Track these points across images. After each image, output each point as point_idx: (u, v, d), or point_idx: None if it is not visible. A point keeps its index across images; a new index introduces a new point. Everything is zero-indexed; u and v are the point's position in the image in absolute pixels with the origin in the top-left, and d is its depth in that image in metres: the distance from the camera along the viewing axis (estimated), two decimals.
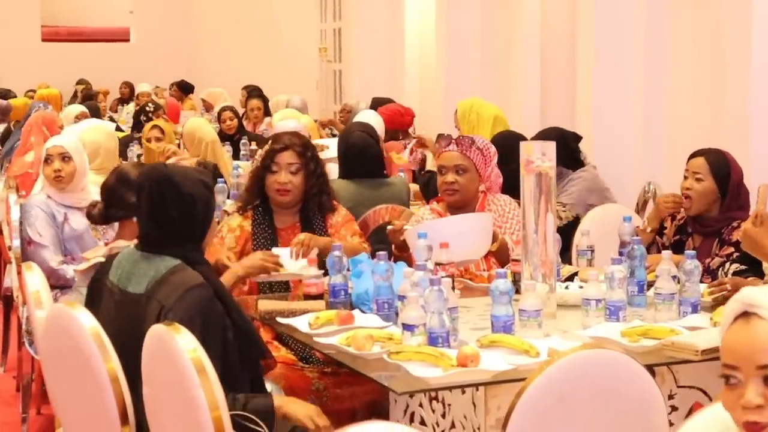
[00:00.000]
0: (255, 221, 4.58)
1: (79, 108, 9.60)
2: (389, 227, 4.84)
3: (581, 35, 7.92)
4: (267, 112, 11.59)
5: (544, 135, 6.22)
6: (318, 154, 4.80)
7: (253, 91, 12.66)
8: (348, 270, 4.27)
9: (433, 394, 3.64)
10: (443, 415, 3.81)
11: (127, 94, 16.47)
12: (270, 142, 4.69)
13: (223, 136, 9.80)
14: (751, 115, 6.41)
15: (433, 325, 3.55)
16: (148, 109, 10.21)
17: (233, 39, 16.77)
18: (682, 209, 4.93)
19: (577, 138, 6.13)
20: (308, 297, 4.21)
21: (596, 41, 7.61)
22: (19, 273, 5.78)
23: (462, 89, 9.18)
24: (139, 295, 3.49)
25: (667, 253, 4.16)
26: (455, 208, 4.83)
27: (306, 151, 4.66)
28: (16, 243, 5.77)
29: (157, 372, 3.21)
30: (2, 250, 7.28)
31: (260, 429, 3.29)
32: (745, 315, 1.98)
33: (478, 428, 3.56)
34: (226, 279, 4.14)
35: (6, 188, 7.04)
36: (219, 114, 10.75)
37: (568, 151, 6.19)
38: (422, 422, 3.97)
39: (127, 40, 18.48)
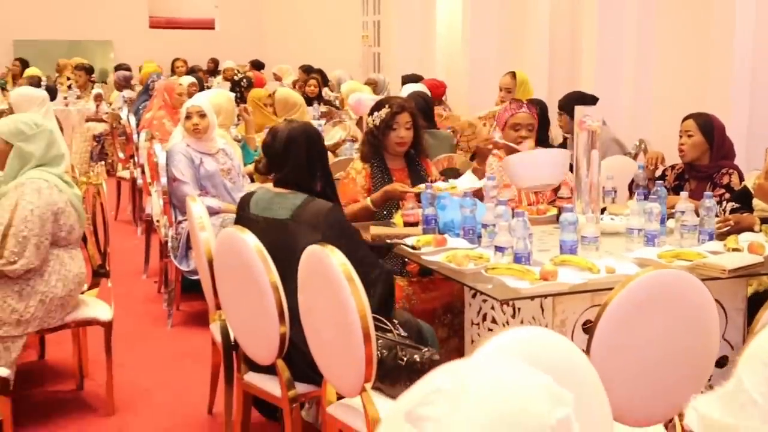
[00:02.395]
0: (374, 165, 4.47)
1: (189, 78, 9.41)
2: (480, 145, 4.86)
3: (585, 18, 7.70)
4: (323, 84, 11.38)
5: (569, 96, 6.03)
6: (419, 116, 4.70)
7: (310, 69, 12.48)
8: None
9: None
10: (513, 316, 3.69)
11: (213, 68, 16.36)
12: (387, 105, 4.51)
13: (308, 98, 9.67)
14: (734, 79, 6.25)
15: (518, 247, 3.41)
16: (243, 84, 10.14)
17: (294, 27, 16.53)
18: (680, 158, 4.82)
19: (595, 99, 5.91)
20: (407, 224, 4.08)
21: (599, 23, 7.40)
22: (165, 204, 5.68)
23: (482, 69, 8.97)
24: (285, 219, 3.44)
25: (684, 194, 4.01)
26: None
27: (414, 111, 4.56)
28: (164, 181, 5.63)
29: (313, 283, 3.07)
30: (144, 186, 7.21)
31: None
32: None
33: (546, 327, 3.44)
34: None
35: (147, 139, 6.93)
36: (306, 81, 10.55)
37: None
38: (493, 321, 3.86)
39: (213, 28, 18.35)
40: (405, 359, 3.08)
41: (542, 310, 3.46)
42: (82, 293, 4.24)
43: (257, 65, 15.53)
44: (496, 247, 3.45)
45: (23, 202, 3.78)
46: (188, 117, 5.59)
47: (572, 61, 8.04)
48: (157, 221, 6.17)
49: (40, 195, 3.81)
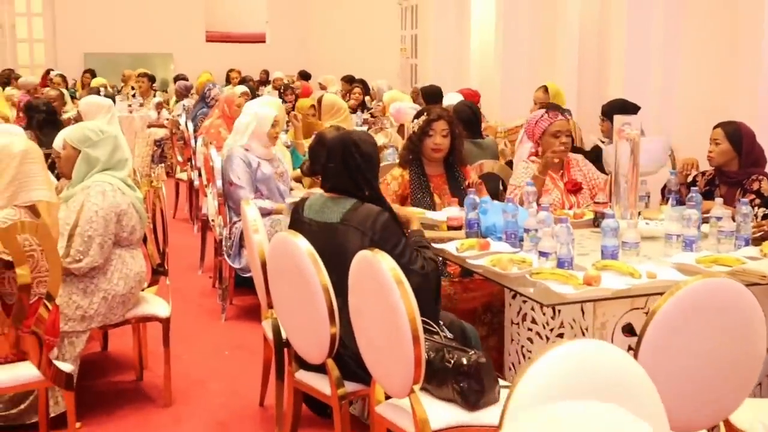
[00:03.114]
0: (412, 171, 4.25)
1: (242, 88, 9.30)
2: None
3: (614, 28, 7.40)
4: (365, 93, 11.20)
5: (612, 104, 5.78)
6: (458, 124, 4.45)
7: (352, 80, 12.32)
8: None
9: None
10: (552, 317, 3.47)
11: (264, 78, 16.27)
12: (425, 114, 4.31)
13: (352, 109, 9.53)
14: (762, 85, 5.96)
15: (562, 252, 3.20)
16: (280, 90, 9.99)
17: (337, 41, 16.39)
18: (709, 164, 4.58)
19: (637, 108, 5.67)
20: (451, 228, 3.88)
21: (627, 33, 7.12)
22: (220, 205, 5.52)
23: (513, 79, 8.71)
24: (335, 223, 3.25)
25: (719, 200, 3.78)
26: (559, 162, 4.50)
27: (452, 120, 4.34)
28: (219, 183, 5.48)
29: (364, 287, 2.88)
30: (200, 187, 7.08)
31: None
32: None
33: (586, 329, 3.22)
34: None
35: (203, 144, 6.80)
36: (350, 90, 10.39)
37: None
38: (533, 321, 3.64)
39: (264, 41, 18.24)
40: (452, 361, 2.88)
41: (582, 313, 3.24)
42: (142, 290, 4.11)
43: (304, 75, 15.43)
44: (540, 252, 3.24)
45: (89, 204, 3.66)
46: (274, 125, 5.45)
47: (600, 71, 7.78)
48: (212, 221, 6.05)
49: (105, 197, 3.68)
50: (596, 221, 4.02)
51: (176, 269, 5.60)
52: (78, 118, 6.56)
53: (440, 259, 3.71)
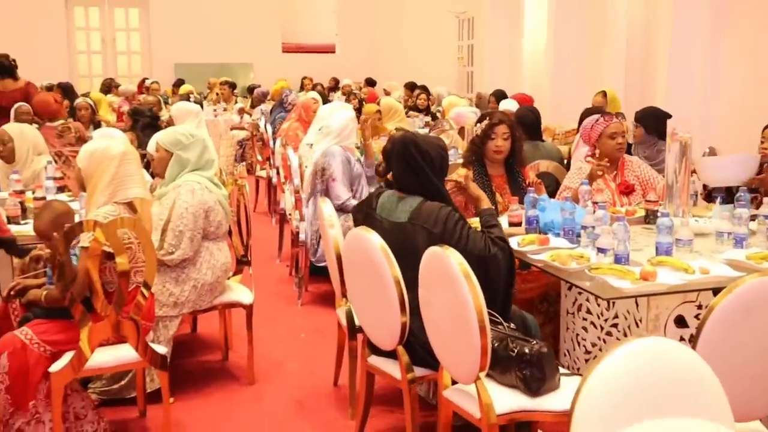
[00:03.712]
0: (475, 171, 4.11)
1: (312, 94, 9.27)
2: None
3: (660, 36, 7.13)
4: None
5: (645, 111, 5.59)
6: (518, 127, 4.30)
7: (414, 86, 12.18)
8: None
9: None
10: (607, 308, 3.32)
11: (334, 85, 16.21)
12: (487, 118, 4.18)
13: (418, 109, 9.40)
14: None
15: (619, 249, 3.05)
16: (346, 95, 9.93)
17: (400, 51, 16.25)
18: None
19: (668, 115, 5.46)
20: (512, 224, 3.73)
21: (672, 41, 6.85)
22: (296, 201, 5.48)
23: (563, 86, 8.48)
24: (404, 223, 3.13)
25: (767, 200, 3.57)
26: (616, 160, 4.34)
27: (512, 123, 4.20)
28: (296, 181, 5.42)
29: (433, 280, 2.78)
30: (278, 184, 7.07)
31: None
32: None
33: (640, 320, 3.07)
34: None
35: (282, 145, 6.77)
36: (417, 95, 10.30)
37: (662, 124, 5.56)
38: (588, 311, 3.49)
39: (334, 52, 18.20)
40: (515, 351, 2.76)
41: (637, 305, 3.09)
42: (228, 279, 4.06)
43: (370, 82, 15.35)
44: (598, 248, 3.10)
45: (179, 201, 3.64)
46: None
47: (645, 76, 7.51)
48: (289, 214, 6.01)
49: (194, 195, 3.65)
50: (648, 218, 3.86)
51: (256, 259, 5.52)
52: (170, 122, 6.57)
53: None
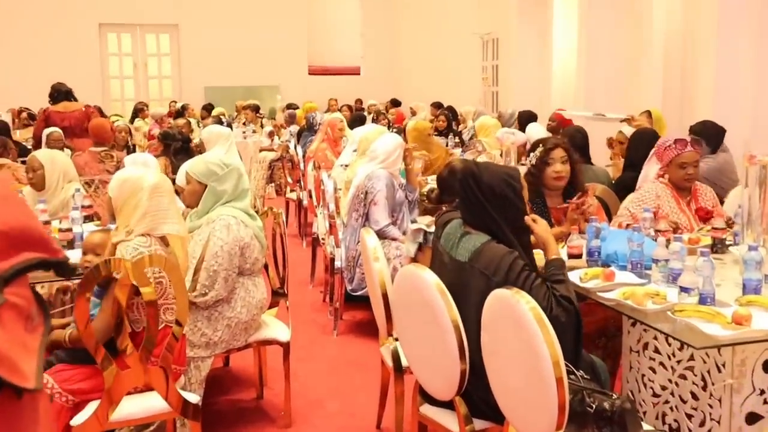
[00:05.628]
0: (534, 206, 3.67)
1: (338, 115, 8.96)
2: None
3: (700, 54, 6.64)
4: (453, 118, 10.65)
5: (701, 124, 5.15)
6: (574, 150, 3.85)
7: (440, 105, 11.79)
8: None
9: None
10: (681, 348, 2.88)
11: (359, 106, 15.92)
12: (541, 144, 3.76)
13: (438, 131, 9.00)
14: None
15: (705, 288, 2.60)
16: (374, 116, 9.56)
17: (424, 71, 15.93)
18: None
19: (723, 130, 5.02)
20: (571, 257, 3.30)
21: (715, 60, 6.38)
22: (331, 226, 5.08)
23: (596, 107, 7.98)
24: (463, 262, 2.65)
25: None
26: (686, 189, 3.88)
27: (569, 147, 3.77)
28: (331, 207, 5.03)
29: (500, 326, 2.37)
30: (309, 207, 6.71)
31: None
32: None
33: (723, 365, 2.62)
34: None
35: (315, 168, 6.40)
36: (437, 115, 9.91)
37: (718, 138, 5.14)
38: (656, 351, 3.04)
39: (359, 74, 17.95)
40: (594, 406, 2.33)
41: (718, 348, 2.64)
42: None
43: (395, 103, 15.05)
44: (681, 287, 2.66)
45: (214, 239, 3.25)
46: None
47: (684, 98, 7.02)
48: (323, 239, 5.62)
49: (229, 231, 3.26)
50: (716, 248, 3.41)
51: (289, 284, 5.18)
52: (201, 146, 6.22)
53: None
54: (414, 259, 3.29)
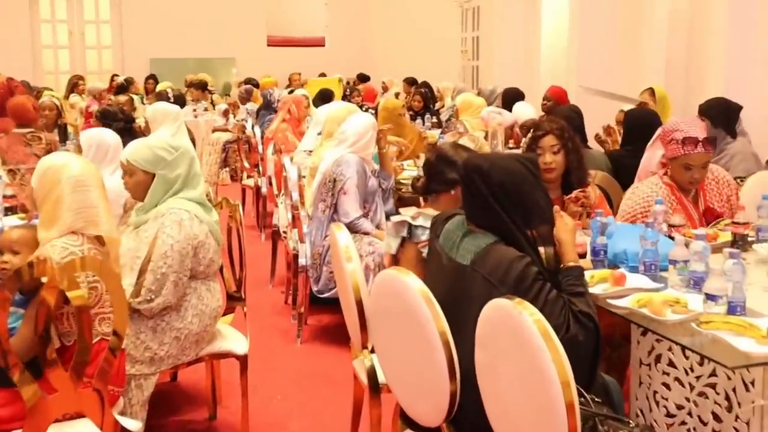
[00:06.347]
0: None
1: (302, 91, 8.77)
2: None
3: (713, 22, 6.48)
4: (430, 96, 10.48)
5: (710, 103, 5.02)
6: (573, 134, 3.69)
7: (414, 82, 11.62)
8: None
9: None
10: (700, 363, 2.75)
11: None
12: (532, 130, 3.61)
13: (413, 111, 8.87)
14: None
15: (735, 295, 2.47)
16: (346, 93, 9.39)
17: (396, 44, 15.77)
18: None
19: (739, 108, 4.90)
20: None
21: (729, 29, 6.25)
22: (294, 218, 4.91)
23: (590, 82, 7.85)
24: (465, 266, 2.48)
25: None
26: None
27: (564, 133, 3.58)
28: (295, 196, 4.85)
29: (498, 342, 2.21)
30: (269, 196, 6.56)
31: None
32: None
33: (751, 383, 2.49)
34: None
35: (276, 152, 6.21)
36: (412, 93, 9.77)
37: (731, 117, 4.99)
38: (671, 364, 2.90)
39: (323, 45, 17.78)
40: None
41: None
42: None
43: (363, 78, 14.89)
44: (707, 294, 2.52)
45: (163, 236, 3.07)
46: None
47: (690, 70, 6.87)
48: (284, 233, 5.44)
49: (181, 228, 3.08)
50: (736, 244, 3.30)
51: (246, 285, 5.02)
52: (146, 126, 5.97)
53: None
54: (395, 257, 3.13)
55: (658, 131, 3.95)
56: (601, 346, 2.45)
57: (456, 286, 2.49)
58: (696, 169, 3.57)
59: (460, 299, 2.46)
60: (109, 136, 4.40)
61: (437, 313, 2.38)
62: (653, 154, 4.08)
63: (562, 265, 2.56)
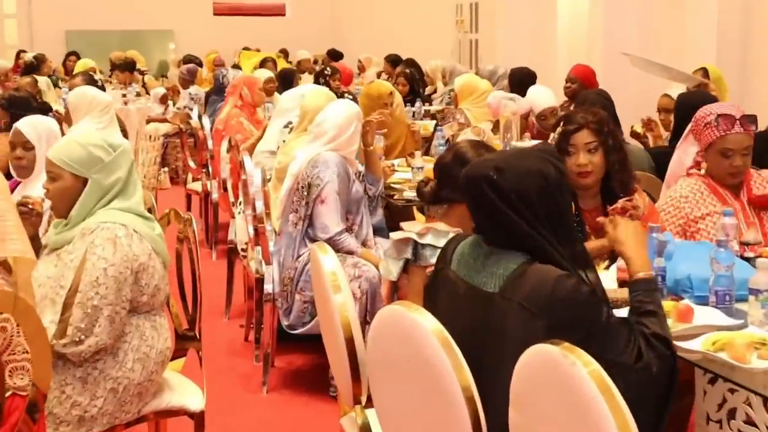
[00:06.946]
0: None
1: (266, 73, 8.72)
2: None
3: None
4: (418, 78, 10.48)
5: None
6: (614, 128, 3.65)
7: (398, 60, 11.58)
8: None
9: None
10: None
11: (283, 59, 15.78)
12: (562, 123, 3.57)
13: None
14: None
15: None
16: (326, 72, 9.32)
17: (376, 12, 16.01)
18: None
19: None
20: (623, 283, 3.07)
21: None
22: (258, 234, 4.86)
23: (619, 61, 7.81)
24: (491, 293, 2.42)
25: None
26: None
27: (602, 127, 3.56)
28: (259, 206, 4.77)
29: (541, 399, 2.13)
30: (221, 203, 6.54)
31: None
32: None
33: None
34: None
35: (231, 148, 6.14)
36: (395, 75, 9.79)
37: None
38: (748, 421, 2.85)
39: (283, 14, 18.06)
40: None
41: None
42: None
43: (335, 55, 14.89)
44: None
45: (93, 258, 3.01)
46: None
47: (747, 49, 6.91)
48: (243, 251, 5.37)
49: (116, 247, 3.02)
50: None
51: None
52: (66, 115, 5.85)
53: None
54: (395, 284, 3.07)
55: (689, 125, 3.95)
56: (676, 382, 2.42)
57: (480, 321, 2.43)
58: (736, 154, 3.61)
59: (486, 338, 2.40)
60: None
61: (459, 362, 2.29)
62: (684, 153, 4.12)
63: (630, 277, 2.58)
